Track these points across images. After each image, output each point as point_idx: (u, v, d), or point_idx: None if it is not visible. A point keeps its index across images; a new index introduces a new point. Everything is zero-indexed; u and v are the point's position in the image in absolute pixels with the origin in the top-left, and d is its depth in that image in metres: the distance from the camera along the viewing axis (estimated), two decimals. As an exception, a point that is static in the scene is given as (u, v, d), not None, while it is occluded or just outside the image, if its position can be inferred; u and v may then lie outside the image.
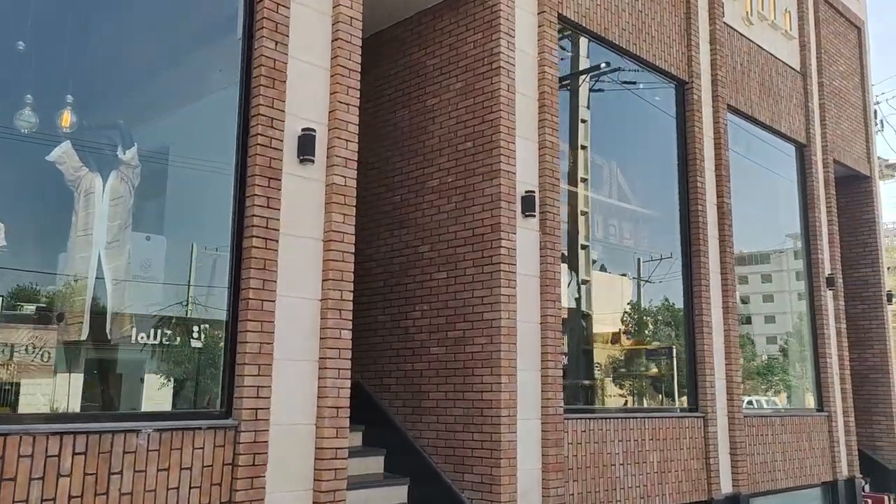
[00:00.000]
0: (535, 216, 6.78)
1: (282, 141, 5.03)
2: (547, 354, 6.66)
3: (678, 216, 8.98)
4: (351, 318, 5.20)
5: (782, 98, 10.96)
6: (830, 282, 11.20)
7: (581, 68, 9.12)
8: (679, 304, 8.87)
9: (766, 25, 10.87)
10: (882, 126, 24.33)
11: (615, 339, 9.34)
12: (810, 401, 11.02)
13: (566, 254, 7.88)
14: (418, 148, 7.28)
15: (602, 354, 9.11)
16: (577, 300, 9.00)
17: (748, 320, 11.58)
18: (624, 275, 9.72)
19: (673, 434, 7.98)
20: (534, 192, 6.77)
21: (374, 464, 6.84)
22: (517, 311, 6.48)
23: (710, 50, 9.46)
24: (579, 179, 8.84)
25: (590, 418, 7.08)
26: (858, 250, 12.99)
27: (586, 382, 8.18)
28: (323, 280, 5.15)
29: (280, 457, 4.79)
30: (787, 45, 11.26)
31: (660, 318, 9.45)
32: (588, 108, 9.23)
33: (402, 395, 7.02)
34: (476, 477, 6.27)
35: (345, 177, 5.30)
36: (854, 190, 13.17)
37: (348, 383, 5.13)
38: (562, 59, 9.03)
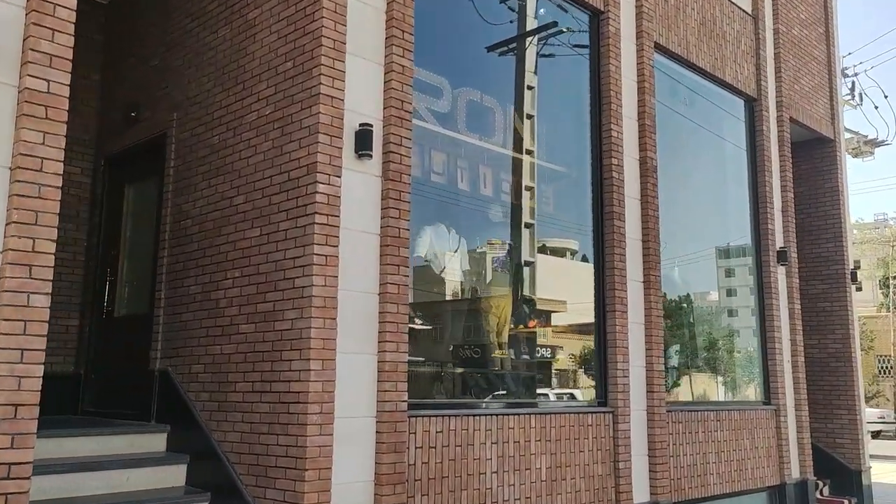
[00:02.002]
0: (372, 157, 5.28)
1: None
2: (386, 334, 5.18)
3: (589, 172, 7.51)
4: (48, 277, 3.69)
5: (728, 42, 9.47)
6: (782, 256, 9.75)
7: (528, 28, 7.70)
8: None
9: (710, -43, 9.36)
10: (861, 99, 22.85)
11: (523, 322, 7.89)
12: (753, 393, 9.61)
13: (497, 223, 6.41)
14: (238, 74, 5.76)
15: (512, 341, 7.66)
16: (519, 283, 7.63)
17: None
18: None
19: (570, 433, 6.52)
20: (371, 125, 5.27)
21: (176, 475, 5.43)
22: (340, 278, 5.00)
23: (634, -25, 7.97)
24: (524, 151, 7.42)
25: (449, 415, 5.60)
26: (819, 223, 11.56)
27: (460, 371, 6.72)
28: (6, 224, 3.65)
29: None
30: (735, -17, 9.77)
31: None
32: (536, 73, 7.77)
33: (209, 387, 5.53)
34: (278, 493, 4.79)
35: (48, 81, 3.78)
36: (816, 155, 11.72)
37: (39, 370, 3.63)
38: (510, 21, 7.66)
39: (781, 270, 9.82)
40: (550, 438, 6.35)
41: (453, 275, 7.12)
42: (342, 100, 5.14)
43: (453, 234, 7.24)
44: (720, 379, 9.91)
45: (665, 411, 7.47)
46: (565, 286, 8.28)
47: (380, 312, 5.23)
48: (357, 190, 5.21)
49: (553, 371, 7.62)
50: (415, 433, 5.34)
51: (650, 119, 7.87)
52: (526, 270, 7.76)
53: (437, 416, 5.52)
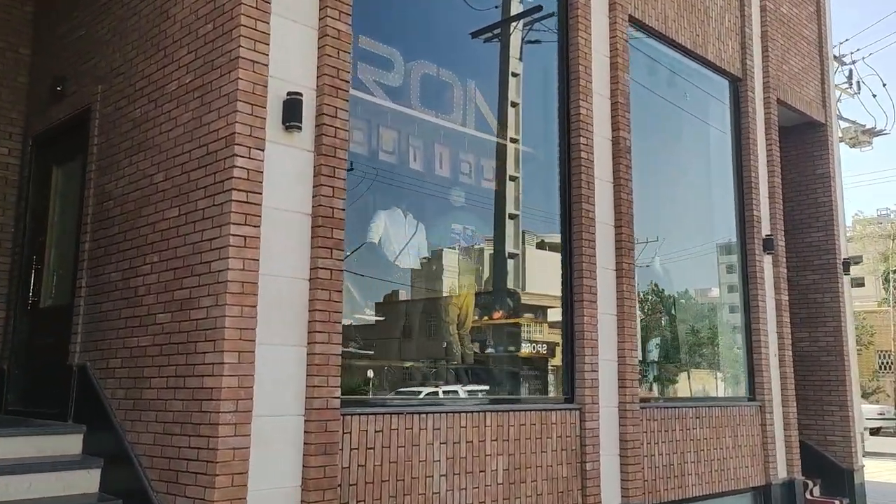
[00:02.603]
0: (302, 129, 4.79)
1: None
2: (316, 324, 4.69)
3: (557, 152, 7.01)
4: None
5: (711, 18, 8.96)
6: (768, 244, 9.25)
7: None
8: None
9: (691, -72, 8.85)
10: (859, 88, 22.27)
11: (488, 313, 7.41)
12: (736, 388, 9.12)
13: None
14: (160, 40, 5.26)
15: (478, 335, 7.19)
16: (503, 275, 7.25)
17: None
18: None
19: (531, 432, 6.04)
20: (301, 95, 4.78)
21: (88, 480, 4.96)
22: (262, 261, 4.51)
23: (606, -56, 7.46)
24: (509, 140, 6.95)
25: (390, 413, 5.11)
26: (810, 211, 11.06)
27: (409, 365, 6.24)
28: None
29: None
30: (718, -44, 9.26)
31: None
32: (521, 59, 7.30)
33: (125, 383, 5.04)
34: (188, 502, 4.31)
35: None
36: (806, 140, 11.22)
37: None
38: (495, 6, 7.19)
39: (768, 259, 9.32)
40: (508, 438, 5.86)
41: (408, 261, 6.63)
42: (266, 65, 4.65)
43: (410, 219, 6.76)
44: (705, 375, 9.42)
45: (639, 408, 6.98)
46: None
47: (310, 300, 4.74)
48: (284, 165, 4.72)
49: (522, 367, 7.14)
50: (350, 433, 4.85)
51: (624, 97, 7.36)
52: (511, 263, 7.28)
53: (376, 413, 5.03)
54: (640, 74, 8.28)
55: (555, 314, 8.07)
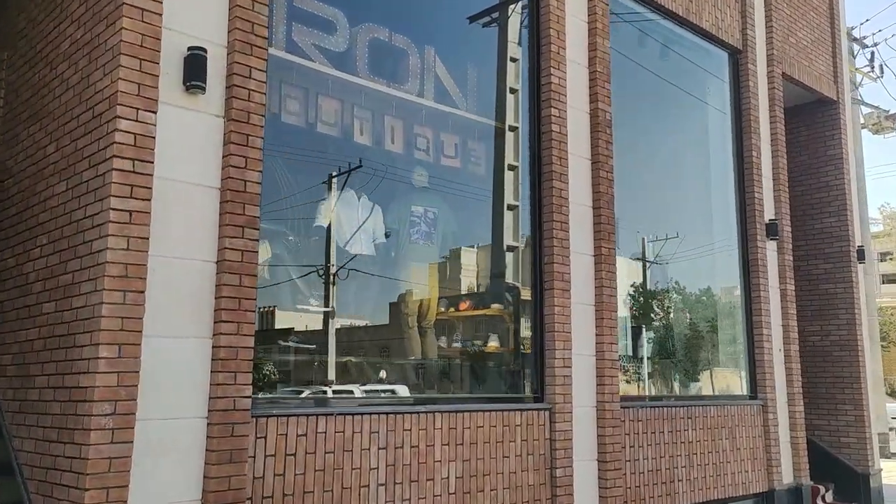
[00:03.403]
0: (205, 90, 4.17)
1: None
2: (223, 313, 4.08)
3: (528, 127, 6.34)
4: None
5: (706, -16, 8.23)
6: (772, 229, 8.51)
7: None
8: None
9: None
10: (882, 71, 21.28)
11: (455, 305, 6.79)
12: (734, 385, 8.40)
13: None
14: (57, -5, 4.67)
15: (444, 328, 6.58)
16: (502, 268, 6.68)
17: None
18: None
19: (490, 435, 5.39)
20: (205, 51, 4.16)
21: (-24, 489, 4.32)
22: (152, 240, 3.90)
23: None
24: (507, 128, 6.36)
25: (316, 414, 4.49)
26: (821, 195, 10.27)
27: (357, 361, 5.61)
28: None
29: None
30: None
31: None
32: (519, 44, 6.66)
33: (14, 382, 4.46)
34: (61, 518, 3.72)
35: None
36: (817, 119, 10.42)
37: None
38: None
39: (771, 246, 8.57)
40: (463, 442, 5.21)
41: (359, 247, 6.00)
42: (160, 14, 4.04)
43: (364, 201, 6.13)
44: (728, 374, 8.67)
45: (619, 408, 6.29)
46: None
47: (216, 286, 4.13)
48: (185, 131, 4.11)
49: (488, 363, 6.49)
50: (264, 437, 4.23)
51: (603, 66, 6.67)
52: (510, 256, 6.64)
53: (298, 415, 4.41)
54: (627, 46, 7.60)
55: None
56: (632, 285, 8.51)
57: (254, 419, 4.18)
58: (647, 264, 8.55)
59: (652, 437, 6.66)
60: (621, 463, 6.23)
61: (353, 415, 4.66)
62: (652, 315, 8.55)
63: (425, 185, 6.45)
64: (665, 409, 6.85)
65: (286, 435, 4.32)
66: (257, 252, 4.29)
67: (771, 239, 8.52)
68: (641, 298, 8.57)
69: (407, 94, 5.96)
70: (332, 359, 5.54)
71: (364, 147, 5.69)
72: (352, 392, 5.35)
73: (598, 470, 6.12)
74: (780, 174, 8.81)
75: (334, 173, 5.91)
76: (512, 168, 6.56)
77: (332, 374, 5.46)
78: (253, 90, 4.35)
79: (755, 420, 7.87)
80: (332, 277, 5.97)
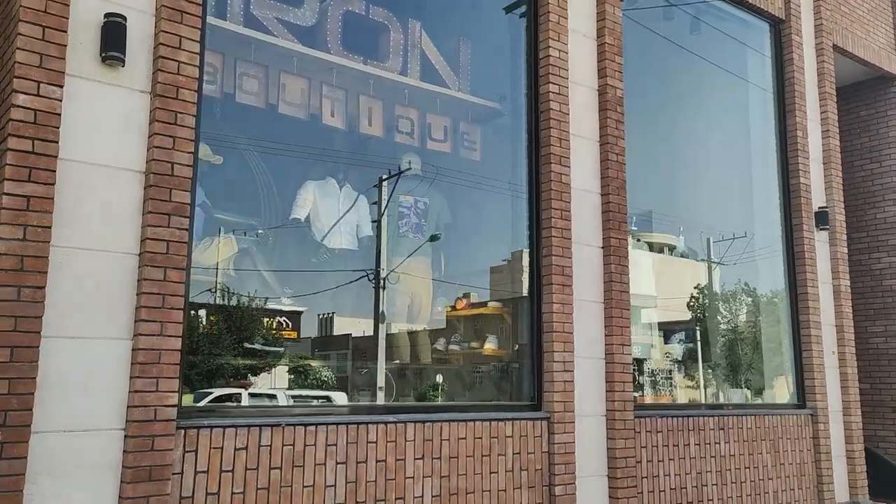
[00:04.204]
0: (124, 63, 3.75)
1: None
2: (143, 311, 3.64)
3: (524, 106, 5.74)
4: None
5: (739, -53, 7.46)
6: (822, 219, 7.65)
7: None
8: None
9: None
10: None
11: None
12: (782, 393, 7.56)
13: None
14: (-13, -30, 4.33)
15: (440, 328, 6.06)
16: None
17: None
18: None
19: (475, 448, 4.81)
20: (124, 18, 3.74)
21: None
22: (56, 229, 3.48)
23: None
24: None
25: (259, 425, 4.00)
26: (884, 181, 9.29)
27: (314, 363, 5.11)
28: None
29: None
30: None
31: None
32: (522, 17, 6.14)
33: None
34: (-52, 542, 3.32)
35: None
36: (879, 97, 9.44)
37: None
38: None
39: (822, 237, 7.71)
40: (441, 456, 4.65)
41: (339, 240, 5.51)
42: (69, -22, 3.63)
43: (347, 191, 5.65)
44: (776, 377, 7.85)
45: (633, 417, 5.62)
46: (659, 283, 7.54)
47: (138, 281, 3.69)
48: (99, 108, 3.69)
49: (479, 368, 5.91)
50: (194, 451, 3.77)
51: (614, 37, 6.01)
52: None
53: (237, 426, 3.93)
54: (652, 19, 6.95)
55: (648, 314, 7.51)
56: (695, 287, 7.99)
57: (181, 431, 3.72)
58: (714, 265, 7.94)
59: (675, 451, 5.95)
60: (636, 480, 5.55)
61: (305, 425, 4.15)
62: (719, 318, 7.86)
63: (416, 173, 5.93)
64: (691, 418, 6.13)
65: (222, 448, 3.85)
66: (187, 243, 3.84)
67: (821, 229, 7.66)
68: (706, 301, 7.91)
69: (387, 72, 5.44)
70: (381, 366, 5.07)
71: (335, 130, 5.19)
72: (275, 396, 4.84)
73: (609, 487, 5.46)
74: (832, 157, 7.94)
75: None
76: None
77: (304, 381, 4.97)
78: (183, 62, 3.90)
79: (803, 431, 7.04)
80: (382, 282, 5.70)
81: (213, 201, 5.22)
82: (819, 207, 7.69)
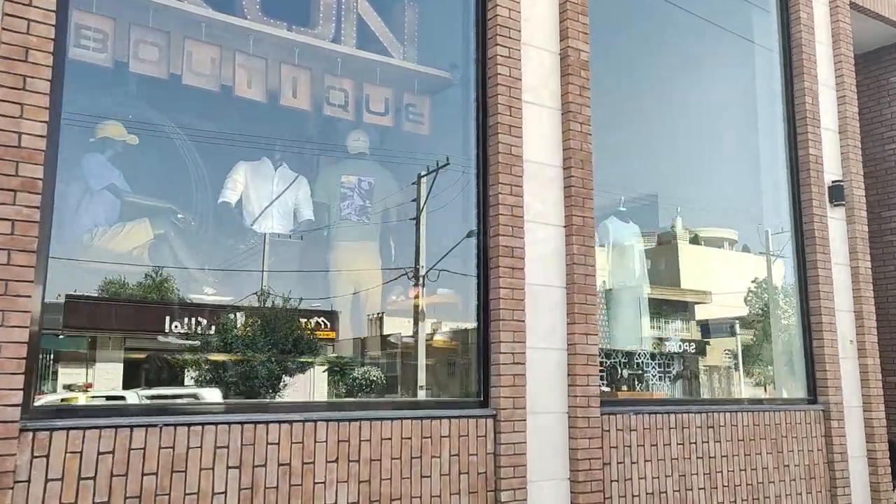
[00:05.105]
0: (-41, 22, 3.37)
1: None
2: (-11, 299, 3.26)
3: (473, 72, 5.20)
4: None
5: None
6: (836, 194, 6.90)
7: None
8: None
9: None
10: None
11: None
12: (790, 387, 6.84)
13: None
14: None
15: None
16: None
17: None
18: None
19: (403, 449, 4.30)
20: (-42, -27, 3.36)
21: None
22: None
23: None
24: None
25: (130, 426, 3.57)
26: (915, 153, 8.42)
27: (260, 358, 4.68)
28: None
29: None
30: None
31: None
32: None
33: None
34: None
35: None
36: (907, 62, 8.57)
37: None
38: None
39: (837, 213, 6.95)
40: (359, 458, 4.16)
41: (270, 224, 5.08)
42: None
43: (283, 171, 5.22)
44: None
45: (599, 414, 5.03)
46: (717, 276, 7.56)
47: (-14, 267, 3.31)
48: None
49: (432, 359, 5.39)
50: (45, 456, 3.36)
51: (578, -6, 5.43)
52: None
53: (100, 427, 3.51)
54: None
55: (702, 311, 7.41)
56: (753, 281, 7.57)
57: (28, 433, 3.32)
58: (773, 258, 7.42)
59: (653, 451, 5.33)
60: (601, 483, 4.96)
61: (188, 425, 3.72)
62: (780, 313, 7.21)
63: (363, 151, 5.46)
64: (671, 414, 5.49)
65: (81, 453, 3.44)
66: (39, 223, 3.44)
67: (835, 205, 6.91)
68: (765, 295, 7.43)
69: (317, 39, 4.97)
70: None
71: (254, 103, 4.74)
72: (123, 398, 4.40)
73: (571, 492, 4.89)
74: (849, 126, 7.16)
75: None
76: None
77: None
78: (35, 21, 3.51)
79: (813, 429, 6.31)
80: (422, 279, 5.46)
81: (132, 185, 4.86)
82: (833, 181, 6.93)
